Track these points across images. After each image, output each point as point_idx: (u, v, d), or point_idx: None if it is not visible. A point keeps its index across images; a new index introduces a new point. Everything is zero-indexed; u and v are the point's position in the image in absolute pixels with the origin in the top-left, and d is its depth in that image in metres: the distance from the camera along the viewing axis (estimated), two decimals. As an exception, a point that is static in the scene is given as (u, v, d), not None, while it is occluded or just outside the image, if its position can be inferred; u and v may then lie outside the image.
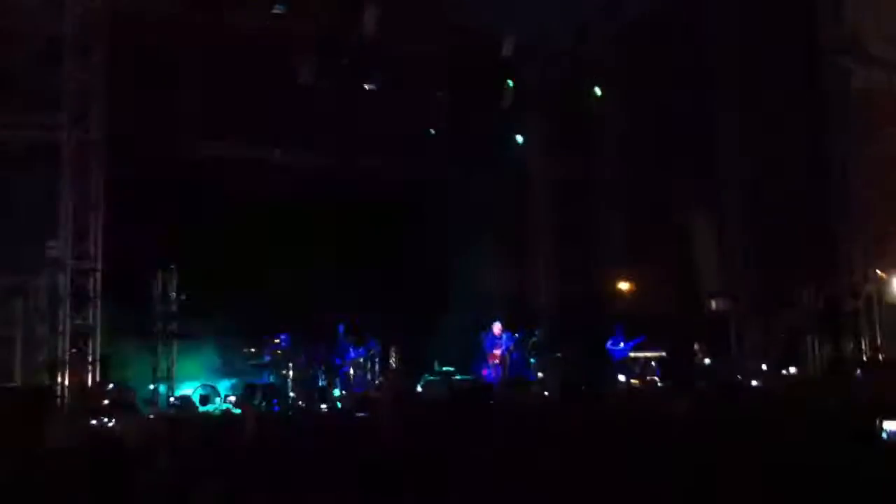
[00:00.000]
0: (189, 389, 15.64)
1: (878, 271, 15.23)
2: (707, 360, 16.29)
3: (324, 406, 15.62)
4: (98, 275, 13.74)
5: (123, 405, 12.68)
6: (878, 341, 15.03)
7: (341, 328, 17.79)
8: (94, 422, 7.83)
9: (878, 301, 15.22)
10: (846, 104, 15.18)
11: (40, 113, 13.55)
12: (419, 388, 16.63)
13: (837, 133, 15.26)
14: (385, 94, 18.21)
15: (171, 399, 14.96)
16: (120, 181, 14.49)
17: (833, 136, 15.30)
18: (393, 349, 17.99)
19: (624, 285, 19.66)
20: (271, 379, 16.16)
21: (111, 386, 13.84)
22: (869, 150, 14.95)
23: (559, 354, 17.43)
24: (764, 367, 16.09)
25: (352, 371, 16.98)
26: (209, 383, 15.86)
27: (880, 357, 14.58)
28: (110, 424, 7.80)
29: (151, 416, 12.13)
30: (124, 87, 14.42)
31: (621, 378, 16.96)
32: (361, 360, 17.16)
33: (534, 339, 17.82)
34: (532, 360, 17.73)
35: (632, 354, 17.22)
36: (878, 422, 6.01)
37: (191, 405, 14.71)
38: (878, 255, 15.21)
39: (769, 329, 17.19)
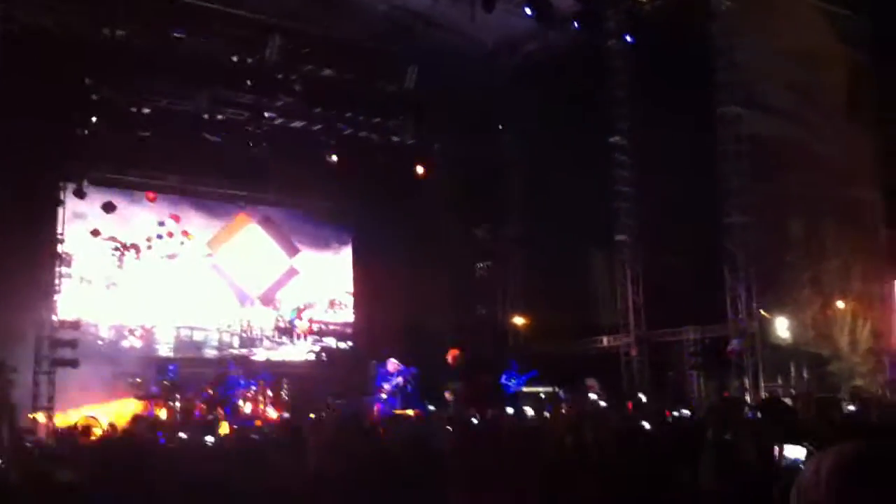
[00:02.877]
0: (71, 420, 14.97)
1: (761, 311, 15.83)
2: (594, 396, 16.46)
3: (210, 439, 15.14)
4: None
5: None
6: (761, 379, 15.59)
7: (231, 360, 17.43)
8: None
9: (760, 340, 15.81)
10: (736, 148, 15.77)
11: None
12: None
13: (727, 176, 15.82)
14: (285, 123, 18.16)
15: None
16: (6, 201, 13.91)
17: (723, 179, 15.86)
18: (284, 381, 17.68)
19: (519, 320, 19.89)
20: (157, 411, 15.62)
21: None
22: (757, 193, 15.52)
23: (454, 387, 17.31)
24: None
25: (241, 402, 16.54)
26: (91, 414, 15.18)
27: (764, 394, 15.06)
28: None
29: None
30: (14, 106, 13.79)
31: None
32: (252, 391, 16.76)
33: None
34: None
35: (524, 389, 17.30)
36: (776, 449, 5.95)
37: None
38: (762, 294, 15.80)
39: (657, 366, 17.60)
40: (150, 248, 18.32)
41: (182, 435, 14.57)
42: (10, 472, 6.14)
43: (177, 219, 18.61)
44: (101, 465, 6.29)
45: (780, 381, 15.88)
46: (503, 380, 17.41)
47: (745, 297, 15.79)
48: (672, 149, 15.74)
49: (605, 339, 18.42)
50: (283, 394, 17.62)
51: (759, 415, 8.70)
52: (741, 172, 15.68)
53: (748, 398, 14.90)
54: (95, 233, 17.47)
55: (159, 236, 18.49)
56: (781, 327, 16.40)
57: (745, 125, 15.72)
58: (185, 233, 18.69)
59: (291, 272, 20.02)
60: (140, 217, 18.32)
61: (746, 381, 15.79)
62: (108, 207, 17.26)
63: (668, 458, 5.73)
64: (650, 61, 16.50)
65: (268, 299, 19.58)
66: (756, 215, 15.58)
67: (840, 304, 15.99)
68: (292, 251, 20.06)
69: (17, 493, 5.55)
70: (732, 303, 15.95)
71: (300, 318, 19.84)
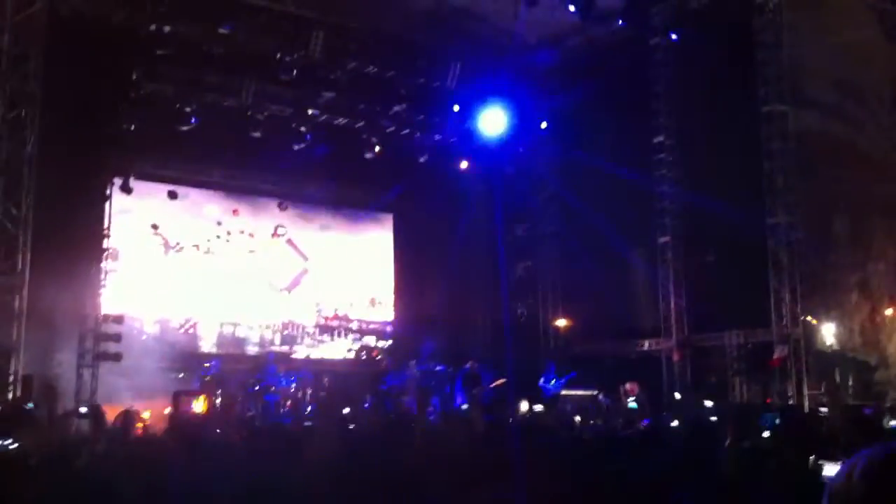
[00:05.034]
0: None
1: (807, 317, 15.47)
2: (631, 401, 16.18)
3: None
4: (24, 292, 13.28)
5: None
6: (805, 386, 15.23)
7: (271, 356, 17.53)
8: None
9: (805, 346, 15.45)
10: (781, 146, 15.46)
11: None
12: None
13: (772, 174, 15.51)
14: (329, 119, 18.25)
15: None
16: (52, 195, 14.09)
17: (768, 177, 15.56)
18: (325, 378, 17.76)
19: (560, 321, 19.72)
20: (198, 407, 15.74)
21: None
22: (802, 192, 15.20)
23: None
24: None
25: (281, 399, 16.61)
26: (133, 408, 15.30)
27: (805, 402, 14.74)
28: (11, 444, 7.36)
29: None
30: (60, 99, 13.98)
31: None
32: (292, 388, 16.82)
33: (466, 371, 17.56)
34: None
35: (563, 392, 17.11)
36: (812, 462, 5.49)
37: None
38: (808, 297, 15.44)
39: (699, 371, 17.30)
40: (207, 247, 18.67)
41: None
42: (31, 455, 6.20)
43: (236, 212, 18.97)
44: (136, 458, 6.33)
45: (823, 389, 15.50)
46: (541, 382, 17.24)
47: (789, 300, 15.44)
48: (716, 147, 15.49)
49: (646, 343, 18.17)
50: (322, 392, 17.70)
51: (778, 422, 8.49)
52: (786, 171, 15.34)
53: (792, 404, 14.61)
54: (154, 227, 17.89)
55: (218, 236, 18.80)
56: (828, 333, 16.03)
57: (790, 122, 15.40)
58: (244, 232, 19.07)
59: (304, 272, 20.26)
60: (188, 213, 18.61)
61: (790, 388, 15.45)
62: (172, 195, 17.98)
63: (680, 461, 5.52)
64: (694, 58, 16.28)
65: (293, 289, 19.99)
66: (801, 215, 15.25)
67: (888, 312, 15.58)
68: (305, 258, 20.30)
69: (35, 475, 5.60)
70: (776, 306, 15.60)
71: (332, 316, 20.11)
